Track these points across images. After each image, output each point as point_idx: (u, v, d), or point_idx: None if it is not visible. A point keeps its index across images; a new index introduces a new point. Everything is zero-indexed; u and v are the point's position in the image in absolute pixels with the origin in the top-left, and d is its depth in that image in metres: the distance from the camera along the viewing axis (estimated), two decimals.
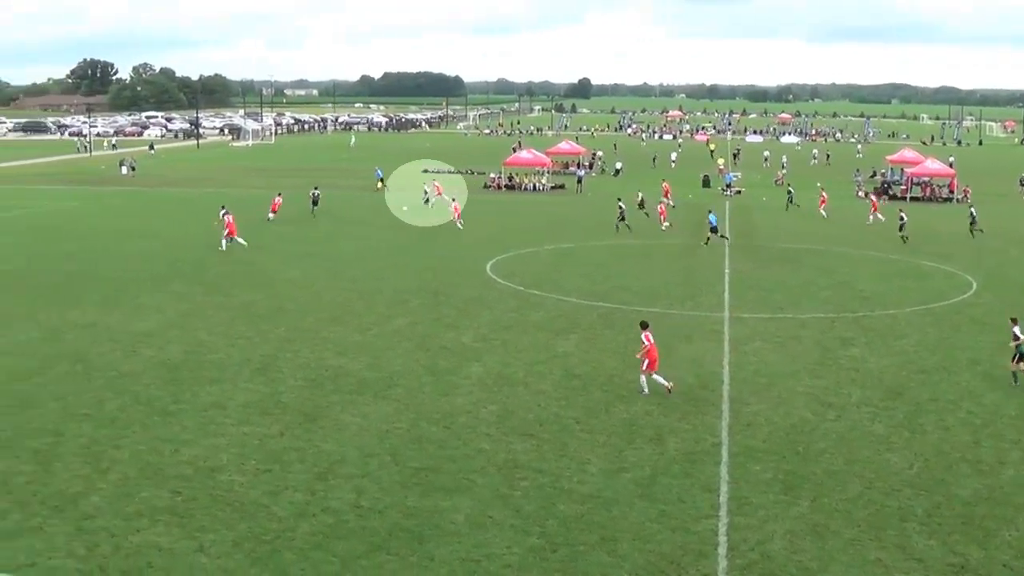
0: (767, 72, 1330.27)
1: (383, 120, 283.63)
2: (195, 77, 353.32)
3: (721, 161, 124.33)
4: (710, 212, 67.27)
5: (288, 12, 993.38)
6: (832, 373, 36.28)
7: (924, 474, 26.98)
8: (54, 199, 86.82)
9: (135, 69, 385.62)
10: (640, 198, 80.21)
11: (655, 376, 33.27)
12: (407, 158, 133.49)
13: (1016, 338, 34.82)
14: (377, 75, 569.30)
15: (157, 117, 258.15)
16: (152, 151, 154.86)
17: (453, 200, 75.56)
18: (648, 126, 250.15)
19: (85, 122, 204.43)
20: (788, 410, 31.91)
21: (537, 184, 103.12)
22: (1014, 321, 35.21)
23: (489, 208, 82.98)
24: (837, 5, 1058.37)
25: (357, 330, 41.57)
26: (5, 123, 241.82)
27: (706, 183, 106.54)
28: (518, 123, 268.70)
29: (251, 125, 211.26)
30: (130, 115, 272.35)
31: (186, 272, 53.96)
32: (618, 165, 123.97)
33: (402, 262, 57.43)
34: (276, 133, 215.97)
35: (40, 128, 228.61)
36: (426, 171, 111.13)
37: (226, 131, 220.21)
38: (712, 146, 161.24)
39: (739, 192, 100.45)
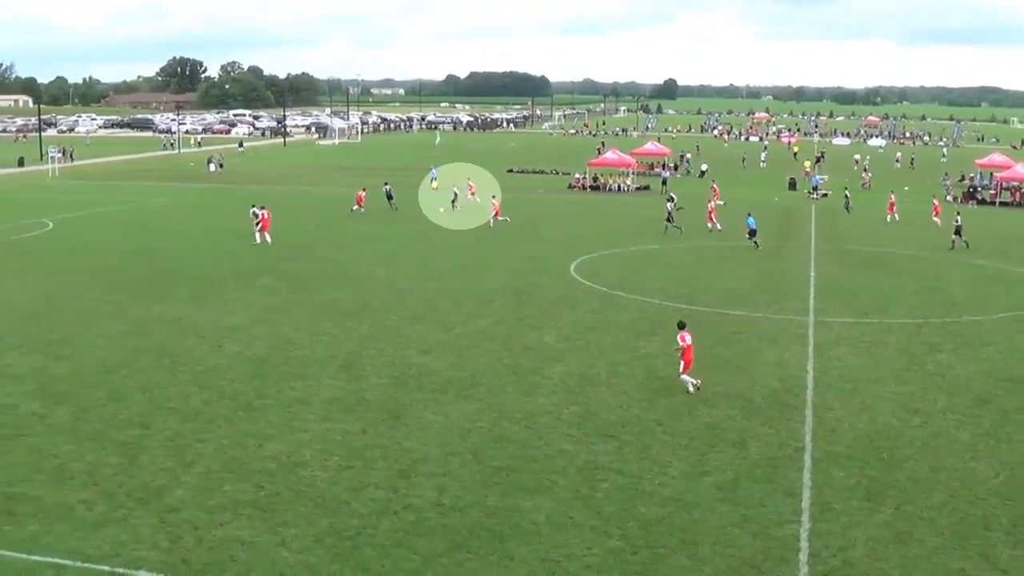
0: (855, 74, 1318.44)
1: (468, 119, 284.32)
2: (283, 76, 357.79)
3: (807, 164, 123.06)
4: (749, 215, 66.41)
5: (376, 12, 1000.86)
6: (918, 379, 35.78)
7: (1010, 483, 26.52)
8: (143, 195, 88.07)
9: (223, 67, 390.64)
10: (674, 203, 79.27)
11: (682, 376, 33.43)
12: (491, 158, 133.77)
13: None
14: (463, 75, 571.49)
15: (245, 115, 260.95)
16: (242, 149, 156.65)
17: (493, 197, 76.01)
18: (730, 127, 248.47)
19: (174, 119, 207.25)
20: (872, 416, 31.51)
21: (622, 185, 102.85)
22: None
23: (573, 209, 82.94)
24: (927, 7, 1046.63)
25: (441, 329, 41.70)
26: (96, 119, 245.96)
27: (792, 186, 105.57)
28: (603, 123, 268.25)
29: (337, 124, 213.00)
30: (218, 113, 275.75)
31: (272, 269, 54.47)
32: (703, 167, 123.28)
33: (486, 262, 57.52)
34: (362, 132, 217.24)
35: (146, 125, 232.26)
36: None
37: (312, 129, 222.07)
38: (795, 148, 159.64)
39: (825, 195, 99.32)
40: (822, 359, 37.78)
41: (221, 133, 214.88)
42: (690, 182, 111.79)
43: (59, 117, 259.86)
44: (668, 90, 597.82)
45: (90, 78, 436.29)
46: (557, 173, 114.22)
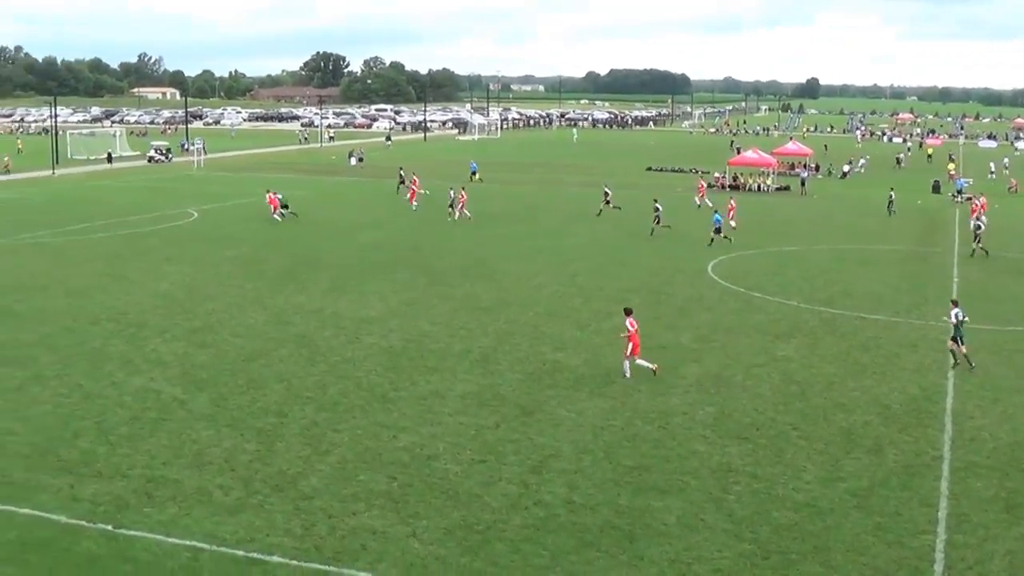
0: (1003, 75, 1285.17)
1: (606, 116, 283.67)
2: (424, 71, 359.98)
3: (952, 166, 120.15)
4: (715, 211, 66.45)
5: (518, 8, 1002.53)
6: None
7: None
8: (285, 187, 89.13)
9: (366, 62, 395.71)
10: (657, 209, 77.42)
11: (639, 360, 34.46)
12: (629, 155, 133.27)
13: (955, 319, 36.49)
14: (603, 72, 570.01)
15: (386, 110, 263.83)
16: (389, 143, 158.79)
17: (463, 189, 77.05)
18: (864, 126, 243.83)
19: (317, 113, 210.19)
20: (1014, 426, 30.67)
21: (761, 185, 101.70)
22: (954, 303, 37.39)
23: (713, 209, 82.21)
24: None
25: (576, 326, 41.68)
26: (240, 113, 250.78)
27: (936, 189, 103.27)
28: (744, 122, 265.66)
29: (477, 119, 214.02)
30: (360, 107, 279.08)
31: (411, 262, 54.98)
32: (845, 168, 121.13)
33: (623, 260, 57.32)
34: (501, 128, 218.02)
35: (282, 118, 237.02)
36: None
37: (452, 125, 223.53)
38: (929, 151, 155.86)
39: (970, 199, 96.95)
40: (963, 366, 36.94)
41: (363, 127, 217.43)
42: (831, 183, 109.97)
43: (205, 110, 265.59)
44: (810, 89, 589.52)
45: (236, 72, 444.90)
46: (696, 172, 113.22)
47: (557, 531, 22.95)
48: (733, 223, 68.87)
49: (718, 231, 62.80)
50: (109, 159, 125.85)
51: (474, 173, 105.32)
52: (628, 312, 35.41)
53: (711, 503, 24.59)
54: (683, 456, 27.62)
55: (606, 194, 78.36)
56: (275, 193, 73.61)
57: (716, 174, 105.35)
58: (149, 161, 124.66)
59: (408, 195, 79.41)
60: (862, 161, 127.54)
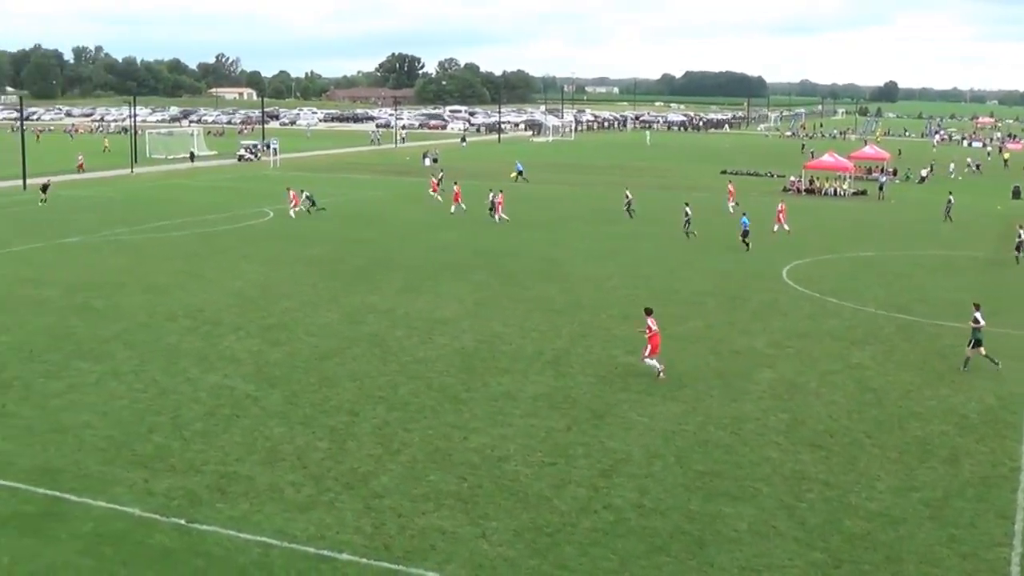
0: None
1: (681, 119, 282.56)
2: (498, 72, 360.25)
3: None
4: (744, 215, 65.09)
5: (593, 10, 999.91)
6: None
7: None
8: (360, 188, 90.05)
9: (441, 64, 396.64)
10: (628, 199, 77.54)
11: (650, 360, 34.91)
12: (704, 158, 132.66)
13: (976, 323, 36.43)
14: (678, 74, 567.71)
15: (460, 111, 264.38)
16: (464, 144, 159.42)
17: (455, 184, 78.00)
18: (943, 131, 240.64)
19: (391, 114, 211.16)
20: None
21: (838, 189, 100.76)
22: (976, 307, 37.01)
23: (788, 212, 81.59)
24: None
25: None
26: (316, 113, 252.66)
27: (1016, 194, 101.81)
28: (820, 125, 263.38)
29: (551, 121, 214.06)
30: (435, 108, 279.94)
31: (484, 263, 55.08)
32: (924, 172, 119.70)
33: (698, 263, 57.02)
34: (575, 130, 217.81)
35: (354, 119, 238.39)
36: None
37: (526, 127, 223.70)
38: (1006, 155, 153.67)
39: None
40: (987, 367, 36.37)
41: (437, 128, 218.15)
42: (909, 188, 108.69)
43: (281, 110, 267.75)
44: (888, 93, 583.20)
45: (311, 73, 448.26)
46: (772, 175, 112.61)
47: (626, 535, 22.89)
48: (787, 226, 68.66)
49: (745, 235, 62.21)
50: (192, 158, 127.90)
51: (520, 173, 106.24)
52: (649, 312, 35.60)
53: (783, 510, 24.41)
54: (755, 462, 27.44)
55: (627, 198, 78.53)
56: (299, 190, 76.92)
57: (792, 178, 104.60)
58: (239, 160, 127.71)
59: (453, 197, 79.18)
60: (951, 166, 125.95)
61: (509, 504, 24.47)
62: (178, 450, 27.70)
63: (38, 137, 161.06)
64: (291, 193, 75.37)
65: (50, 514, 23.85)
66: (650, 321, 35.04)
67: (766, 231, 68.04)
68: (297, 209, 74.36)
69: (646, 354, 34.91)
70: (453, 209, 76.78)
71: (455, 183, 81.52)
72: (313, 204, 75.77)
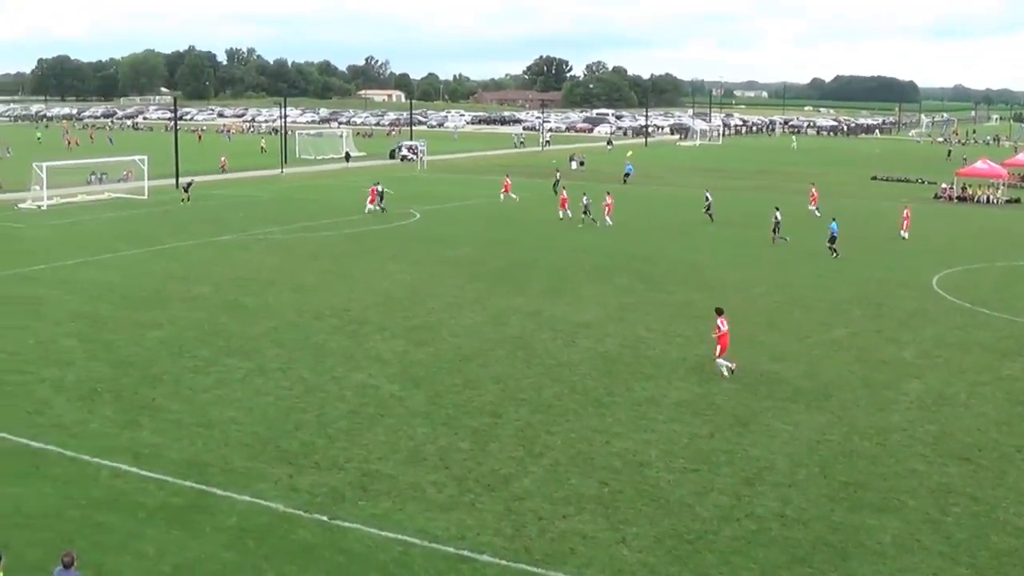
0: None
1: (831, 124, 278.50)
2: (646, 76, 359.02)
3: None
4: (833, 220, 63.04)
5: (743, 13, 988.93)
6: None
7: None
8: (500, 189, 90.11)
9: (588, 67, 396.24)
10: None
11: (721, 360, 35.27)
12: (853, 163, 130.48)
13: None
14: (828, 78, 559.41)
15: (608, 114, 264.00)
16: (610, 147, 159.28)
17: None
18: None
19: (538, 117, 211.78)
20: None
21: (991, 197, 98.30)
22: None
23: (939, 219, 79.99)
24: None
25: (795, 337, 40.98)
26: (464, 115, 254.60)
27: None
28: (973, 132, 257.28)
29: (699, 125, 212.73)
30: (582, 112, 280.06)
31: (627, 267, 54.89)
32: None
33: (845, 270, 56.02)
34: (723, 134, 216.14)
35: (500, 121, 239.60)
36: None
37: (672, 130, 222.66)
38: None
39: None
40: None
41: (584, 131, 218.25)
42: None
43: (430, 112, 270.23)
44: None
45: (459, 75, 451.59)
46: (922, 182, 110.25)
47: (768, 545, 22.64)
48: (905, 234, 67.22)
49: (832, 240, 60.63)
50: (347, 158, 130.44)
51: (627, 175, 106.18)
52: (719, 312, 35.95)
53: (928, 524, 23.90)
54: (901, 474, 26.90)
55: (707, 200, 77.52)
56: (376, 184, 79.97)
57: (943, 185, 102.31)
58: (401, 160, 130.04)
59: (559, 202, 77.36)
60: None
61: (650, 510, 24.36)
62: (322, 447, 28.12)
63: (200, 138, 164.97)
64: (372, 188, 78.54)
65: (196, 507, 24.40)
66: (720, 321, 35.27)
67: (913, 236, 66.81)
68: (371, 208, 76.47)
69: (717, 354, 35.14)
70: (560, 215, 75.35)
71: (563, 188, 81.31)
72: (381, 200, 78.05)
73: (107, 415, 30.66)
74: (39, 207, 79.43)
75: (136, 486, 25.62)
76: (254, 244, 61.14)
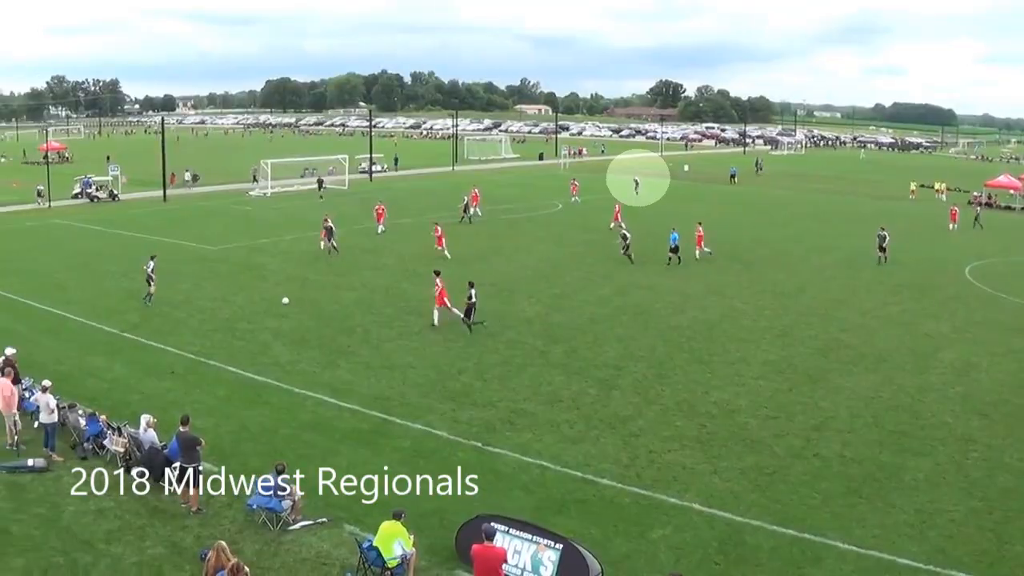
0: None
1: (888, 141, 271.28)
2: (744, 97, 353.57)
3: None
4: (673, 230, 51.63)
5: (823, 47, 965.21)
6: None
7: None
8: (629, 188, 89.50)
9: (699, 89, 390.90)
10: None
11: (439, 308, 35.33)
12: (903, 172, 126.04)
13: None
14: (887, 104, 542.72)
15: (714, 128, 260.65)
16: (760, 171, 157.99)
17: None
18: None
19: (656, 130, 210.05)
20: None
21: (1012, 204, 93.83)
22: None
23: (967, 221, 77.28)
24: None
25: (858, 312, 40.16)
26: (599, 127, 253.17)
27: None
28: (1000, 153, 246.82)
29: (786, 138, 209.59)
30: (692, 125, 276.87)
31: (726, 252, 54.11)
32: None
33: (901, 260, 54.45)
34: (805, 146, 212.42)
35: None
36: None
37: (764, 142, 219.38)
38: None
39: None
40: None
41: (695, 142, 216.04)
42: None
43: (571, 124, 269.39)
44: None
45: (596, 93, 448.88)
46: (959, 190, 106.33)
47: (829, 479, 22.56)
48: (953, 226, 67.79)
49: (674, 251, 50.66)
50: (540, 157, 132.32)
51: (733, 176, 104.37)
52: (437, 274, 36.41)
53: (952, 465, 23.70)
54: (934, 425, 26.52)
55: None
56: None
57: (975, 193, 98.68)
58: (562, 165, 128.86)
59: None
60: None
61: (738, 448, 24.29)
62: (479, 389, 28.50)
63: (395, 144, 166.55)
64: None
65: (379, 432, 25.00)
66: (437, 280, 35.73)
67: (950, 233, 64.93)
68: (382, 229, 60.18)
69: (436, 306, 35.70)
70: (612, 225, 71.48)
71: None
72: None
73: (313, 357, 31.47)
74: (264, 194, 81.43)
75: (333, 413, 26.34)
76: (426, 227, 61.71)
